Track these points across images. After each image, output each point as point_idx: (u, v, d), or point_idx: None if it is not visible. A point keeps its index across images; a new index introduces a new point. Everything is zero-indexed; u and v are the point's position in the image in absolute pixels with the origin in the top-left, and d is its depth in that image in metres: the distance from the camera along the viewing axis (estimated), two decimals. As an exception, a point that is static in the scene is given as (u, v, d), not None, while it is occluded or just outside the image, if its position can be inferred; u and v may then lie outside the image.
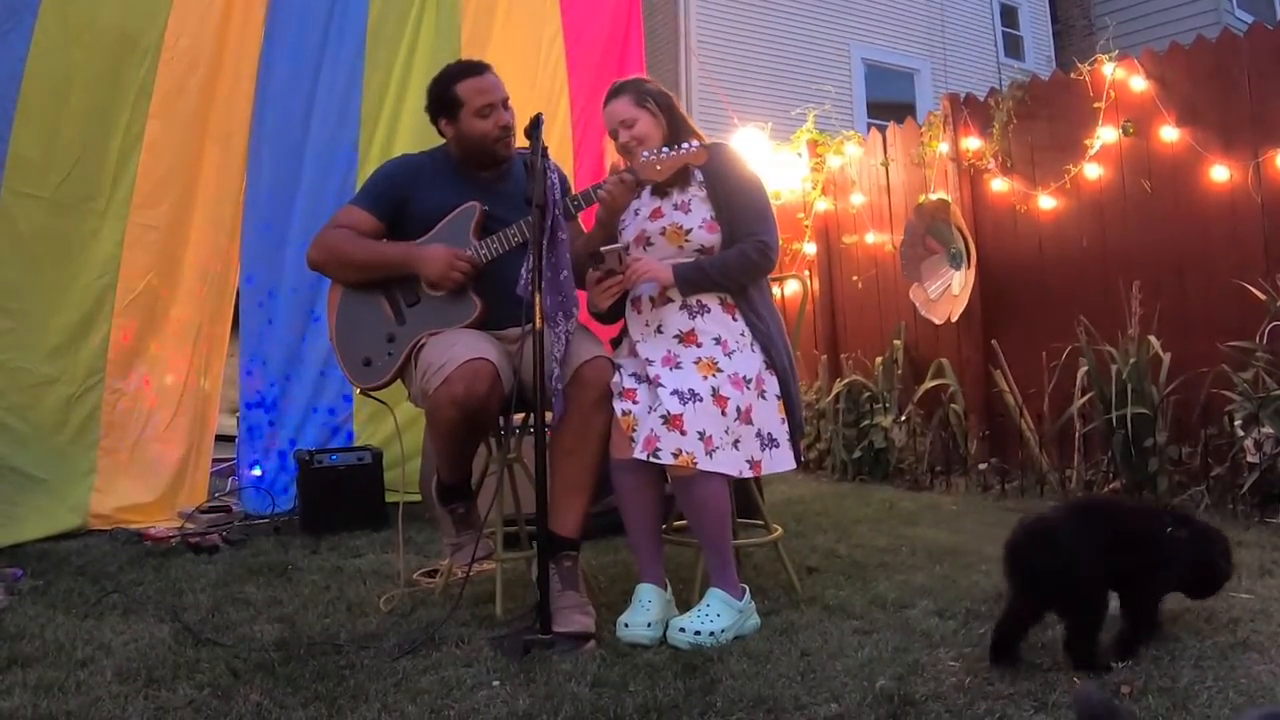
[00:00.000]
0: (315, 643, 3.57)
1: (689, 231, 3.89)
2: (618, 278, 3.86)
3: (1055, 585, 3.15)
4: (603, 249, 3.81)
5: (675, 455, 3.51)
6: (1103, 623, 3.16)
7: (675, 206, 3.95)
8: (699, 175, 3.94)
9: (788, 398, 3.86)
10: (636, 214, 4.04)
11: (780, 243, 4.00)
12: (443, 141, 4.34)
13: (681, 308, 3.87)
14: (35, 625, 3.84)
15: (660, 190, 3.96)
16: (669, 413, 3.53)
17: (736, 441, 3.66)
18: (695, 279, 3.84)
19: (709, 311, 3.86)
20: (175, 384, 6.15)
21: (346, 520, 5.76)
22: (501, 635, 3.53)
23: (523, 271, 3.70)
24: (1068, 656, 3.11)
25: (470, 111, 4.13)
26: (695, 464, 3.52)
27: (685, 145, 3.81)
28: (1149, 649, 3.24)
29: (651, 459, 3.53)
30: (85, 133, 5.72)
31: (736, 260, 3.86)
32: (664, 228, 3.93)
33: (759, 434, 3.74)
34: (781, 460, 3.80)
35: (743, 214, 3.90)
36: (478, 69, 4.24)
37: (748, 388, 3.71)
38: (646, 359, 3.77)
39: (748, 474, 3.73)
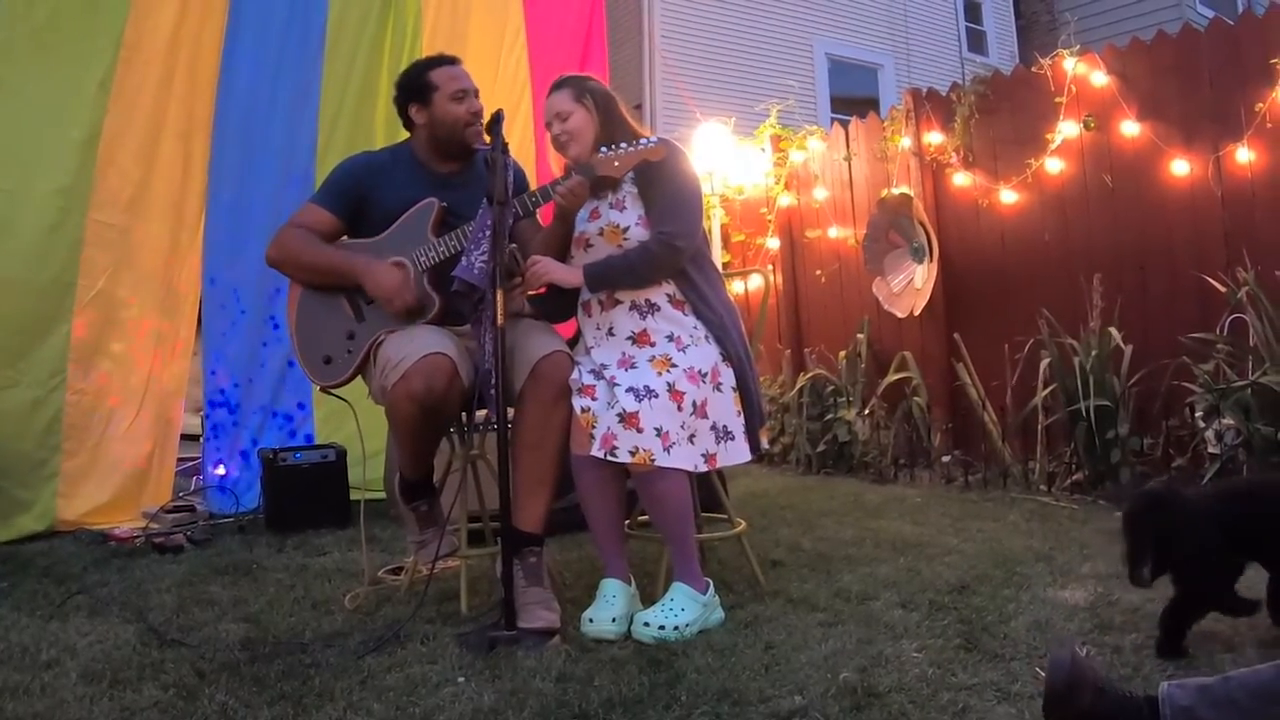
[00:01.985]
0: (281, 642, 3.57)
1: (626, 230, 3.88)
2: (517, 280, 3.89)
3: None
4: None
5: (632, 453, 3.53)
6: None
7: (611, 205, 3.94)
8: (630, 172, 3.91)
9: (744, 389, 3.87)
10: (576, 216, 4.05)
11: (691, 235, 3.90)
12: (405, 139, 4.34)
13: (631, 309, 3.87)
14: (-1, 627, 3.83)
15: (594, 190, 3.94)
16: (625, 410, 3.54)
17: (692, 436, 3.67)
18: (601, 276, 3.86)
19: (658, 310, 3.86)
20: (138, 383, 6.08)
21: (311, 518, 5.75)
22: (467, 632, 3.54)
23: (474, 257, 3.71)
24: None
25: (445, 95, 4.14)
26: (653, 460, 3.53)
27: (643, 141, 3.80)
28: (1114, 638, 3.28)
29: (609, 457, 3.55)
30: (46, 126, 5.66)
31: (638, 255, 3.83)
32: (602, 228, 3.93)
33: (714, 427, 3.76)
34: (737, 453, 3.81)
35: (656, 208, 3.87)
36: (451, 59, 4.28)
37: (703, 381, 3.71)
38: (602, 364, 3.78)
39: (703, 468, 3.74)
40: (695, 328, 3.85)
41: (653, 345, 3.79)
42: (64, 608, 4.13)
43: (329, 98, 6.62)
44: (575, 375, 3.74)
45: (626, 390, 3.58)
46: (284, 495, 5.82)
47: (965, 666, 3.08)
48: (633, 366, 3.70)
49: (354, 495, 5.79)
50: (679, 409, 3.60)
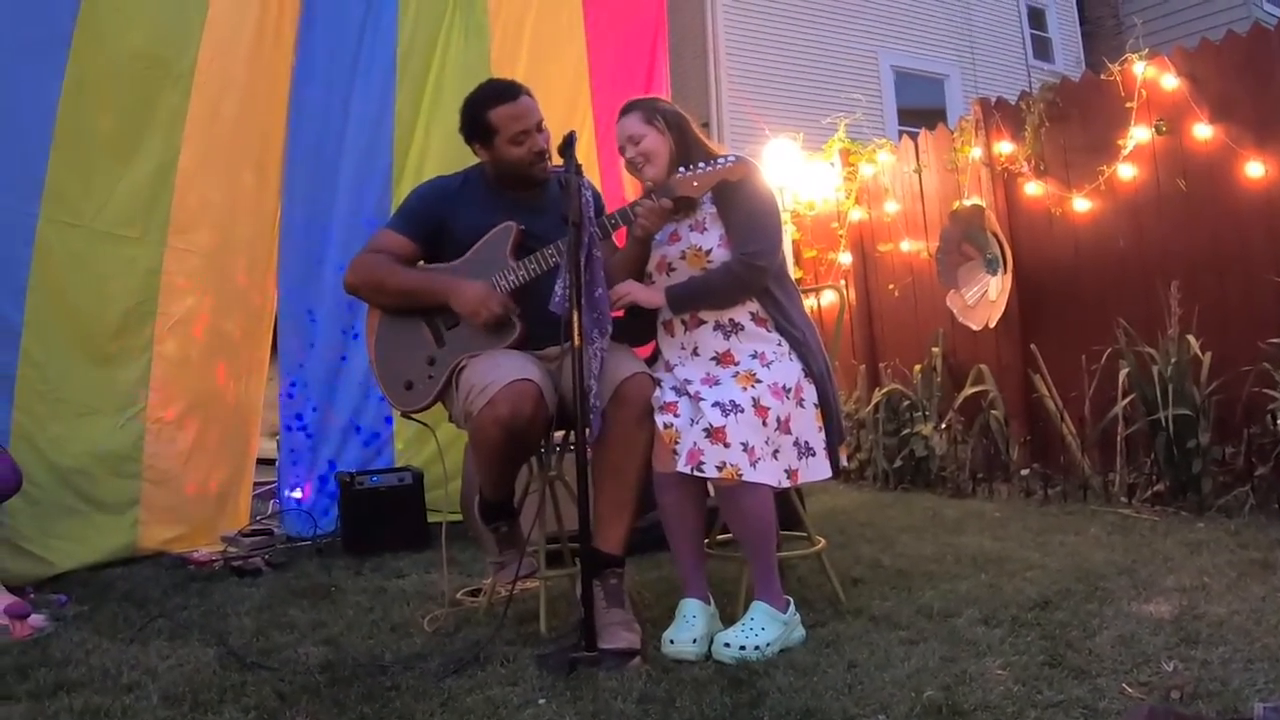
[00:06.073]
0: (360, 664, 3.58)
1: (709, 251, 3.87)
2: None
3: None
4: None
5: (719, 468, 3.51)
6: None
7: (691, 228, 3.94)
8: (708, 192, 3.90)
9: (825, 405, 3.85)
10: (655, 240, 4.02)
11: (773, 254, 3.90)
12: (476, 162, 4.34)
13: (715, 329, 3.87)
14: (80, 651, 3.86)
15: (673, 211, 3.90)
16: (711, 425, 3.52)
17: (776, 451, 3.66)
18: (684, 298, 3.86)
19: (742, 329, 3.86)
20: (216, 409, 6.14)
21: (389, 541, 5.77)
22: (547, 653, 3.53)
23: (557, 288, 3.70)
24: None
25: (504, 139, 4.11)
26: (740, 476, 3.51)
27: (720, 160, 3.80)
28: (1200, 652, 3.22)
29: (695, 472, 3.53)
30: (120, 159, 5.69)
31: (721, 276, 3.84)
32: (684, 251, 3.92)
33: (796, 443, 3.74)
34: (818, 469, 3.80)
35: (736, 229, 3.86)
36: (511, 93, 4.18)
37: (787, 397, 3.70)
38: (685, 379, 3.76)
39: (786, 484, 3.71)
40: (779, 344, 3.85)
41: (736, 364, 3.79)
42: (144, 631, 4.17)
43: (402, 123, 6.64)
44: (657, 394, 3.74)
45: (713, 405, 3.57)
46: (361, 518, 5.85)
47: (1050, 683, 3.03)
48: (717, 383, 3.69)
49: (434, 517, 5.81)
50: (764, 424, 3.58)
